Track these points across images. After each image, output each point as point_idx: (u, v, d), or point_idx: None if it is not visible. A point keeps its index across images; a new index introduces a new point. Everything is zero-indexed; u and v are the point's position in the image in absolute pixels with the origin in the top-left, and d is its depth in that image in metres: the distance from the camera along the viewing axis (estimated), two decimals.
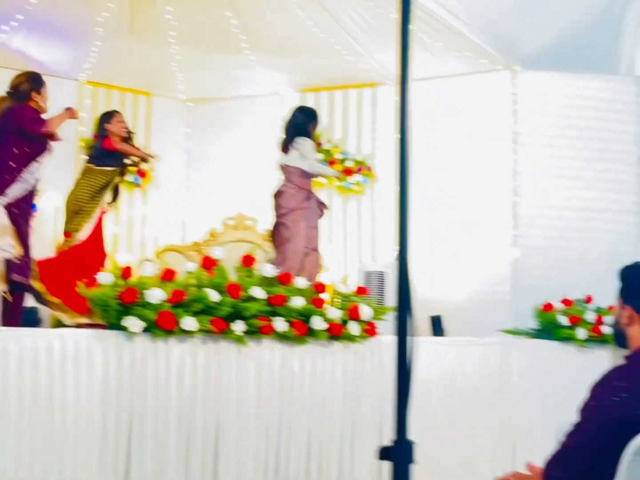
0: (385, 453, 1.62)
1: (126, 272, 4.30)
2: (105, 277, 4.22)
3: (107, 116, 7.25)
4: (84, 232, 6.86)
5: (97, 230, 6.96)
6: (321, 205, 6.86)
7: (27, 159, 5.60)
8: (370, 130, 8.96)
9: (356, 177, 8.85)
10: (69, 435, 3.97)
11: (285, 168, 6.75)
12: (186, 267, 4.66)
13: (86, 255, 6.61)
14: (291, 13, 7.47)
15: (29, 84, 5.83)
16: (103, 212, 7.05)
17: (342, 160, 8.87)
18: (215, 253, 4.81)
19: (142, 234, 9.31)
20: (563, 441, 2.93)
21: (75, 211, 6.92)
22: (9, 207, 5.47)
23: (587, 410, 2.86)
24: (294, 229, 6.52)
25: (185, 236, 9.44)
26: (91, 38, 7.98)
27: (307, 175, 6.74)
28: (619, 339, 3.02)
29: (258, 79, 8.95)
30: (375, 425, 5.10)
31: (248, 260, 4.89)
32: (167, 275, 4.49)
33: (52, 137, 5.74)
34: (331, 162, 8.89)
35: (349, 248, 8.96)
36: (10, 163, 5.52)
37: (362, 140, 8.99)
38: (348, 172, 8.84)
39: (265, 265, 4.98)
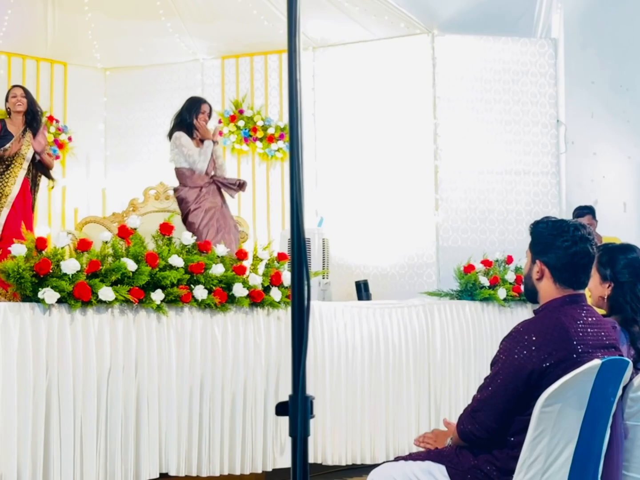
0: (281, 408, 1.61)
1: (40, 243, 4.21)
2: (18, 249, 4.12)
3: (7, 93, 7.07)
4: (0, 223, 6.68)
5: (14, 216, 6.73)
6: (230, 182, 6.92)
7: None
8: None
9: (279, 144, 8.81)
10: None
11: (175, 171, 6.91)
12: (101, 237, 4.57)
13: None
14: None
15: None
16: (24, 197, 6.83)
17: (264, 128, 8.82)
18: (132, 222, 4.73)
19: (62, 206, 9.14)
20: (475, 395, 2.98)
21: None
22: None
23: (498, 364, 2.91)
24: (197, 227, 6.64)
25: (106, 207, 9.30)
26: (3, 7, 7.75)
27: (191, 175, 6.80)
28: (530, 294, 3.08)
29: (177, 46, 8.83)
30: None
31: (166, 229, 4.83)
32: (83, 246, 4.40)
33: None
34: (253, 129, 8.84)
35: (272, 215, 8.95)
36: None
37: (284, 106, 8.93)
38: (270, 139, 8.80)
39: (184, 234, 4.92)
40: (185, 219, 6.80)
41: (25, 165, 6.81)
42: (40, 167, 7.00)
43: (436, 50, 7.80)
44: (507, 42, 7.90)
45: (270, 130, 8.79)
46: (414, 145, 7.93)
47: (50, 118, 8.94)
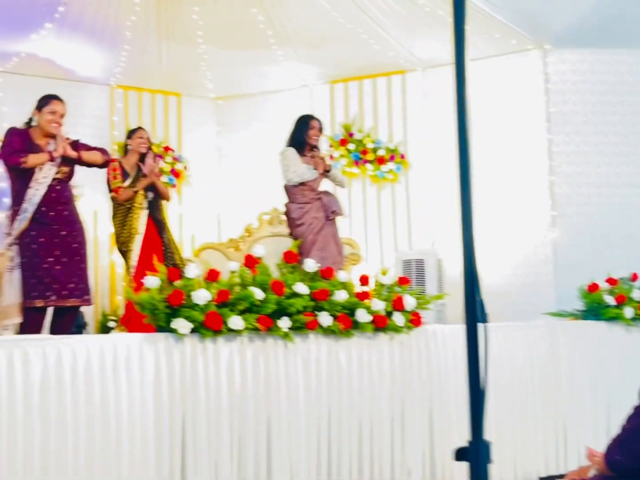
0: (461, 454, 1.62)
1: (172, 275, 4.33)
2: (151, 281, 4.26)
3: (131, 132, 7.28)
4: (133, 261, 6.90)
5: (146, 250, 6.94)
6: (328, 208, 6.96)
7: (22, 189, 5.54)
8: (401, 117, 8.94)
9: (389, 166, 8.83)
10: (125, 438, 4.01)
11: (283, 188, 7.05)
12: (229, 267, 4.68)
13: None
14: (316, 5, 7.47)
15: (39, 101, 5.83)
16: (149, 232, 7.04)
17: (374, 149, 8.86)
18: (257, 251, 4.82)
19: (180, 233, 9.37)
20: (624, 425, 2.92)
21: (120, 250, 7.04)
22: (21, 243, 5.46)
23: None
24: (305, 245, 6.67)
25: (222, 233, 9.48)
26: (120, 42, 8.03)
27: (296, 191, 6.86)
28: None
29: (286, 73, 8.97)
30: (425, 415, 5.11)
31: (290, 257, 4.90)
32: (211, 276, 4.51)
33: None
34: (363, 152, 8.89)
35: (384, 237, 8.96)
36: (6, 200, 5.56)
37: (394, 128, 8.96)
38: (381, 160, 8.83)
39: (306, 261, 4.98)
40: (291, 234, 6.92)
41: (145, 202, 7.02)
42: (153, 208, 7.13)
43: (548, 66, 7.74)
44: (621, 53, 7.77)
45: (381, 152, 8.83)
46: (526, 162, 7.85)
47: (166, 148, 9.19)
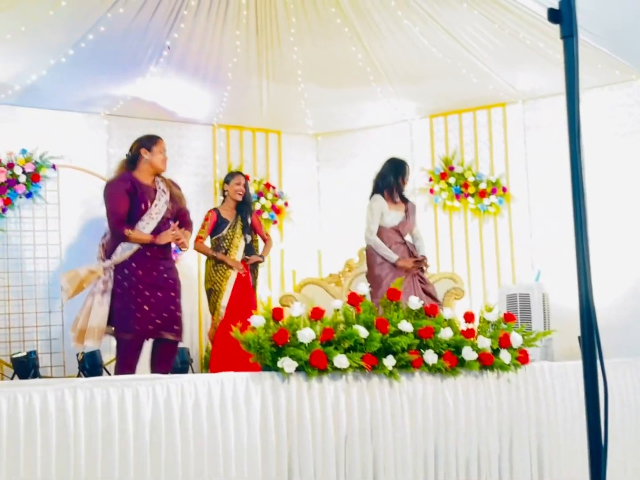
0: None
1: (277, 314, 4.38)
2: (257, 320, 4.31)
3: (229, 177, 7.38)
4: (224, 301, 6.99)
5: (236, 295, 7.02)
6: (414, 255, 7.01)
7: (132, 220, 5.67)
8: (502, 150, 8.87)
9: (491, 199, 8.76)
10: (233, 476, 4.04)
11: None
12: (333, 305, 4.70)
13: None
14: (415, 41, 7.49)
15: (139, 143, 5.98)
16: (241, 275, 7.12)
17: (476, 183, 8.80)
18: (361, 289, 4.83)
19: (281, 268, 9.47)
20: None
21: (208, 290, 7.14)
22: (118, 271, 5.58)
23: None
24: (383, 280, 6.73)
25: (322, 268, 9.53)
26: (223, 83, 8.21)
27: (388, 232, 6.94)
28: None
29: (385, 108, 9.01)
30: (534, 454, 5.02)
31: (394, 294, 4.89)
32: (316, 314, 4.53)
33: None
34: (464, 185, 8.84)
35: (487, 270, 8.87)
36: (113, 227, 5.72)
37: (495, 160, 8.89)
38: (482, 194, 8.76)
39: (411, 298, 4.97)
40: (371, 272, 6.85)
41: (241, 249, 7.12)
42: (249, 250, 7.22)
43: None
44: None
45: (482, 185, 8.76)
46: (635, 191, 7.67)
47: (267, 185, 9.32)
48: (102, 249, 5.80)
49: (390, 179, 7.04)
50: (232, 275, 7.03)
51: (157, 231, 5.72)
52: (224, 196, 7.34)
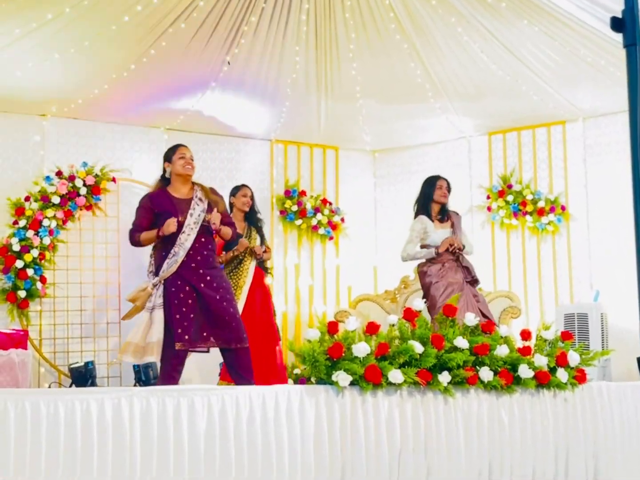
0: None
1: (332, 327, 4.38)
2: (312, 334, 4.32)
3: (235, 189, 7.39)
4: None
5: (252, 302, 7.01)
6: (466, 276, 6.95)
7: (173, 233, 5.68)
8: (561, 168, 8.78)
9: (549, 217, 8.67)
10: None
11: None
12: (389, 320, 4.69)
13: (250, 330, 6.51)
14: (475, 58, 7.47)
15: (163, 159, 6.01)
16: (258, 286, 7.14)
17: (534, 201, 8.72)
18: (417, 304, 4.81)
19: (337, 284, 9.47)
20: None
21: None
22: (167, 285, 5.60)
23: None
24: (437, 300, 6.65)
25: (378, 284, 9.51)
26: (281, 99, 8.26)
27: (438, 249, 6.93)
28: None
29: (443, 125, 8.99)
30: (590, 475, 4.94)
31: (450, 310, 4.87)
32: (371, 329, 4.53)
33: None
34: (523, 204, 8.76)
35: (545, 289, 8.77)
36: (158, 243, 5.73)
37: (554, 179, 8.81)
38: (540, 212, 8.68)
39: (467, 315, 4.94)
40: (427, 293, 6.84)
41: (253, 260, 7.14)
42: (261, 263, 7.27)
43: None
44: None
45: (541, 204, 8.68)
46: None
47: (324, 201, 9.34)
48: (153, 260, 5.84)
49: (426, 199, 7.06)
50: (247, 283, 7.03)
51: (198, 242, 5.71)
52: (231, 209, 7.31)
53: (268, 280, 7.38)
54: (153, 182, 6.11)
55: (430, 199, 7.05)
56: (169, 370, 5.48)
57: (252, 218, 7.30)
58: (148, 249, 6.10)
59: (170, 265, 5.57)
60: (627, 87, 1.72)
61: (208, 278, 5.61)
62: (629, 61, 1.66)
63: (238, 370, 5.52)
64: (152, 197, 5.81)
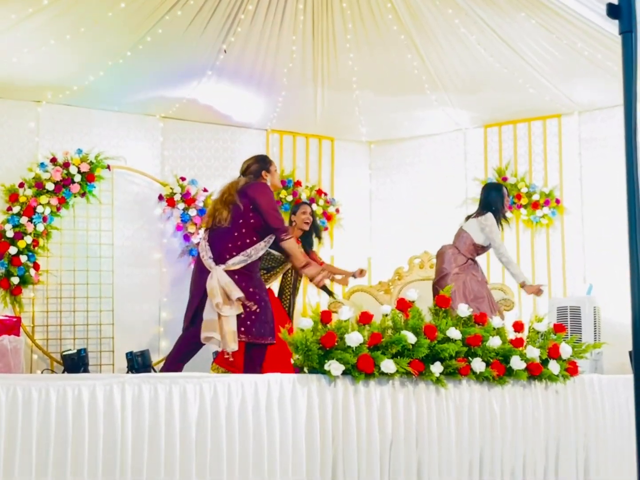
0: None
1: (325, 317, 4.38)
2: (305, 322, 4.31)
3: (295, 207, 7.34)
4: None
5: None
6: (484, 276, 7.01)
7: (256, 236, 5.67)
8: (556, 161, 8.78)
9: (544, 210, 8.67)
10: (277, 475, 4.05)
11: (460, 232, 6.98)
12: (382, 310, 4.69)
13: None
14: (472, 50, 7.46)
15: (258, 164, 5.97)
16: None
17: (529, 194, 8.73)
18: (410, 294, 4.81)
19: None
20: None
21: None
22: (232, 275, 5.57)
23: None
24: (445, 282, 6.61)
25: (372, 275, 9.51)
26: (277, 88, 8.24)
27: (477, 248, 6.89)
28: None
29: (439, 117, 8.98)
30: (580, 467, 4.95)
31: (443, 301, 4.87)
32: (364, 319, 4.53)
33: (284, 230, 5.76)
34: (517, 196, 8.77)
35: (538, 282, 8.76)
36: (236, 234, 5.62)
37: (549, 172, 8.81)
38: (535, 205, 8.68)
39: (460, 306, 4.94)
40: (438, 282, 6.82)
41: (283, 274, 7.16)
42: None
43: None
44: None
45: (535, 197, 8.69)
46: None
47: (319, 191, 9.33)
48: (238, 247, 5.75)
49: (497, 204, 6.95)
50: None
51: None
52: (291, 224, 7.21)
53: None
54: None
55: (500, 209, 6.97)
56: (260, 364, 5.54)
57: (309, 237, 7.23)
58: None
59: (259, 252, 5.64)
60: (622, 75, 1.71)
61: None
62: (624, 48, 1.66)
63: (256, 366, 5.56)
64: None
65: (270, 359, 5.91)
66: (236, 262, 5.47)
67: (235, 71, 7.85)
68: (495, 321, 4.96)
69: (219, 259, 5.47)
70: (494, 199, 6.96)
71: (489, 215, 6.87)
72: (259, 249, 5.59)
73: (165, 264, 8.49)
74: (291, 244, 5.68)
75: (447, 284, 6.69)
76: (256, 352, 5.60)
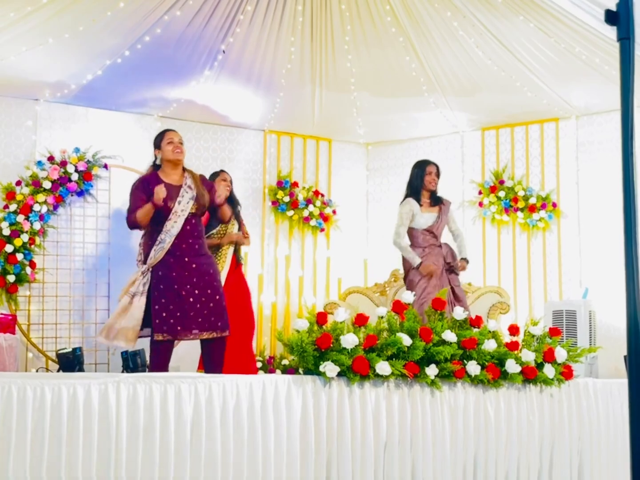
0: None
1: (321, 318, 4.38)
2: (301, 324, 4.32)
3: (213, 175, 7.35)
4: None
5: (228, 286, 7.00)
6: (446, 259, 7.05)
7: (159, 220, 5.68)
8: (553, 165, 8.79)
9: (540, 214, 8.68)
10: (271, 476, 4.06)
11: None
12: (377, 312, 4.69)
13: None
14: (470, 53, 7.46)
15: (153, 146, 6.00)
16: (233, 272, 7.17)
17: (525, 197, 8.74)
18: (405, 297, 4.82)
19: (327, 276, 9.46)
20: None
21: None
22: (154, 273, 5.59)
23: None
24: (416, 285, 6.82)
25: (368, 277, 9.51)
26: (275, 89, 8.24)
27: (421, 233, 7.03)
28: None
29: (437, 120, 8.98)
30: (574, 470, 4.96)
31: (438, 304, 4.87)
32: (360, 320, 4.54)
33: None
34: (514, 199, 8.78)
35: (534, 286, 8.78)
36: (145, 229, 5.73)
37: (546, 175, 8.82)
38: (532, 208, 8.69)
39: (456, 309, 4.95)
40: (406, 277, 6.98)
41: (232, 246, 7.16)
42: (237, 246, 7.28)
43: None
44: None
45: (532, 200, 8.69)
46: None
47: (316, 193, 9.34)
48: (142, 249, 5.83)
49: (417, 181, 7.08)
50: (225, 268, 7.03)
51: (184, 230, 5.69)
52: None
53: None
54: (145, 169, 6.10)
55: (420, 183, 7.07)
56: (159, 361, 5.49)
57: (231, 203, 7.27)
58: (138, 237, 6.10)
59: (157, 252, 5.57)
60: (619, 81, 1.72)
61: (193, 266, 5.61)
62: (622, 55, 1.67)
63: (210, 362, 5.55)
64: (144, 180, 5.80)
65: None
66: None
67: (233, 71, 7.85)
68: (490, 324, 4.97)
69: None
70: (413, 177, 7.17)
71: (404, 202, 7.09)
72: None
73: None
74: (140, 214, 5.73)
75: (409, 278, 6.81)
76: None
